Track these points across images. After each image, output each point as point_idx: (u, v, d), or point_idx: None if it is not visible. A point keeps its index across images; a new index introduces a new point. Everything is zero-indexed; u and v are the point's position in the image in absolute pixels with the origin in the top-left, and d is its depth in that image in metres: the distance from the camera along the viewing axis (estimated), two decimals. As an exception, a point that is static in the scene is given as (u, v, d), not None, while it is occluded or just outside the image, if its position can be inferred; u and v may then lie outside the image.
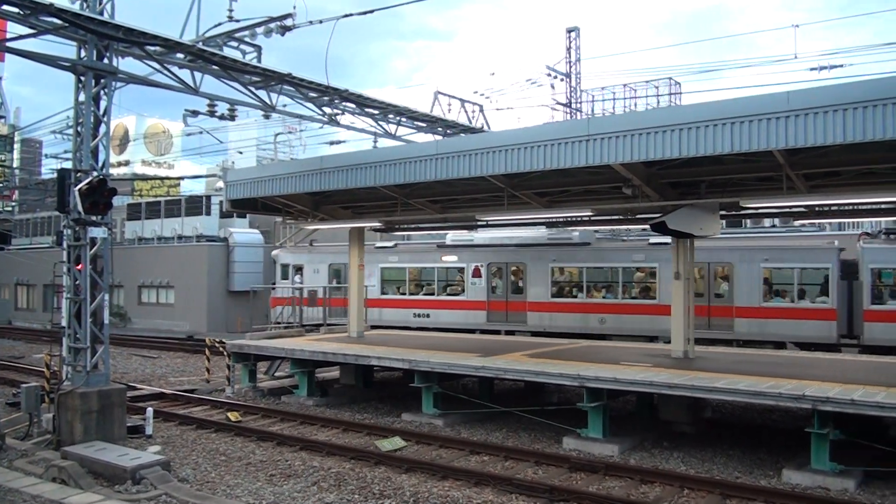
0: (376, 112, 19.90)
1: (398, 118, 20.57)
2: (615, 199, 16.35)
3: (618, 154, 13.14)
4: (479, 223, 21.61)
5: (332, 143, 36.94)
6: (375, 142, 21.67)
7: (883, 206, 16.05)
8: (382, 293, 28.94)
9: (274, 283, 32.64)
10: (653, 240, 24.63)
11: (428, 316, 27.82)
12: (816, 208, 16.54)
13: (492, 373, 15.56)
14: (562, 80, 40.97)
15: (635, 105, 38.87)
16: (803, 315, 22.15)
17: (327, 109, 19.01)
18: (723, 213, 16.58)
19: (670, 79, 38.69)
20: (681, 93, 39.26)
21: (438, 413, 16.24)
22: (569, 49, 41.87)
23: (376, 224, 21.66)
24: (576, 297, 25.50)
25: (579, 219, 19.97)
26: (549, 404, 16.10)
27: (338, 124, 19.88)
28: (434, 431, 15.37)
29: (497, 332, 25.70)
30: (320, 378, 20.58)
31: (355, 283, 22.12)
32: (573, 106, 40.26)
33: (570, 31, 42.14)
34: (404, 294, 28.79)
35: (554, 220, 21.42)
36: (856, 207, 16.70)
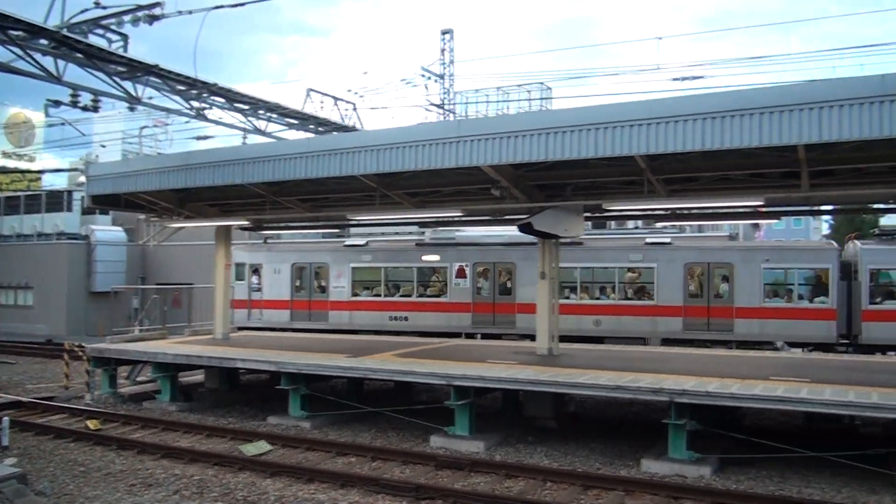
0: (246, 107, 19.51)
1: (269, 114, 20.21)
2: (485, 200, 16.57)
3: (487, 156, 13.36)
4: (350, 223, 21.32)
5: (199, 138, 35.73)
6: (245, 138, 21.23)
7: (739, 210, 16.93)
8: (353, 295, 26.86)
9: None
10: (649, 239, 24.78)
11: (406, 319, 26.11)
12: (677, 211, 17.31)
13: (360, 373, 15.46)
14: (436, 81, 41.34)
15: (508, 108, 39.62)
16: (803, 315, 22.20)
17: (195, 103, 18.50)
18: (587, 214, 17.07)
19: (542, 83, 39.67)
20: (552, 97, 40.28)
21: (306, 415, 15.99)
22: (443, 51, 42.40)
23: (244, 223, 21.15)
24: (569, 298, 24.39)
25: (449, 219, 20.14)
26: (418, 403, 16.16)
27: (206, 119, 19.36)
28: (301, 434, 15.12)
29: (486, 336, 24.85)
30: (184, 382, 19.90)
31: (221, 284, 21.55)
32: (446, 107, 40.66)
33: (444, 33, 42.71)
34: (379, 296, 26.73)
35: (424, 220, 21.46)
36: (714, 211, 17.49)
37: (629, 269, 24.32)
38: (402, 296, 26.53)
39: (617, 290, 24.24)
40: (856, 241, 23.56)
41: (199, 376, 20.79)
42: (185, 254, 35.57)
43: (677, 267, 23.30)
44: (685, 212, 17.48)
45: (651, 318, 23.31)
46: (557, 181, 15.70)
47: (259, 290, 27.94)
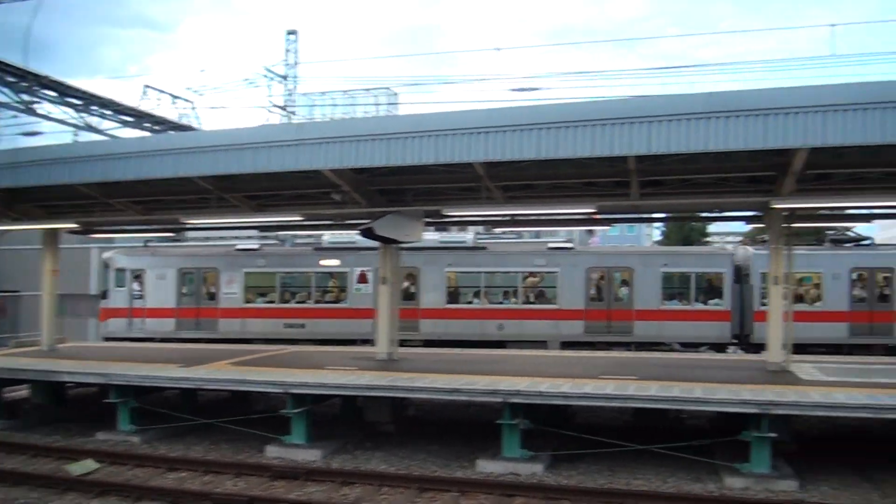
0: (79, 103, 18.40)
1: (103, 111, 19.12)
2: (326, 204, 16.38)
3: (328, 160, 13.24)
4: (185, 227, 20.44)
5: (28, 134, 33.39)
6: (76, 135, 20.04)
7: (574, 217, 17.54)
8: (246, 301, 25.73)
9: (105, 292, 27.58)
10: (552, 244, 25.36)
11: (303, 326, 25.09)
12: (516, 217, 17.77)
13: (193, 383, 14.89)
14: (279, 81, 40.66)
15: (355, 112, 39.47)
16: (700, 317, 23.27)
17: (25, 96, 17.22)
18: (427, 220, 17.20)
19: (388, 88, 39.80)
20: (398, 103, 40.52)
21: (135, 430, 15.15)
22: (288, 51, 41.78)
23: (72, 225, 19.88)
24: (472, 302, 24.72)
25: (289, 224, 19.75)
26: (255, 413, 15.71)
27: (35, 114, 18.07)
28: (130, 450, 14.31)
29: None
30: (8, 398, 18.42)
31: (48, 291, 20.19)
32: (289, 109, 40.06)
33: (290, 34, 42.16)
34: (273, 302, 25.77)
35: (264, 224, 20.90)
36: (550, 217, 18.03)
37: (532, 274, 24.60)
38: (298, 302, 25.68)
39: (520, 294, 24.44)
40: (748, 247, 25.19)
41: (24, 391, 19.32)
42: (16, 259, 33.08)
43: (579, 271, 23.98)
44: (523, 218, 17.96)
45: (553, 321, 23.76)
46: (399, 186, 15.73)
47: (141, 297, 26.30)
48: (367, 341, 22.93)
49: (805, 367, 15.35)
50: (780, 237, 14.89)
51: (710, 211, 18.19)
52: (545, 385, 12.66)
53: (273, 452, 13.57)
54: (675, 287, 23.97)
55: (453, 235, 26.28)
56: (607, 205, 15.20)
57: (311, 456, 13.28)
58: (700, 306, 23.53)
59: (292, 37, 41.84)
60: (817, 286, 23.57)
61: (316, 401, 14.01)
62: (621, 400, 12.23)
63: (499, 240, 27.48)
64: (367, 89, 40.16)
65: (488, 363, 16.07)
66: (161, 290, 26.29)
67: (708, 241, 53.52)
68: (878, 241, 27.21)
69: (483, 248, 25.27)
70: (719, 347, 23.30)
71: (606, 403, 12.49)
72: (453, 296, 24.99)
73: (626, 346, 22.76)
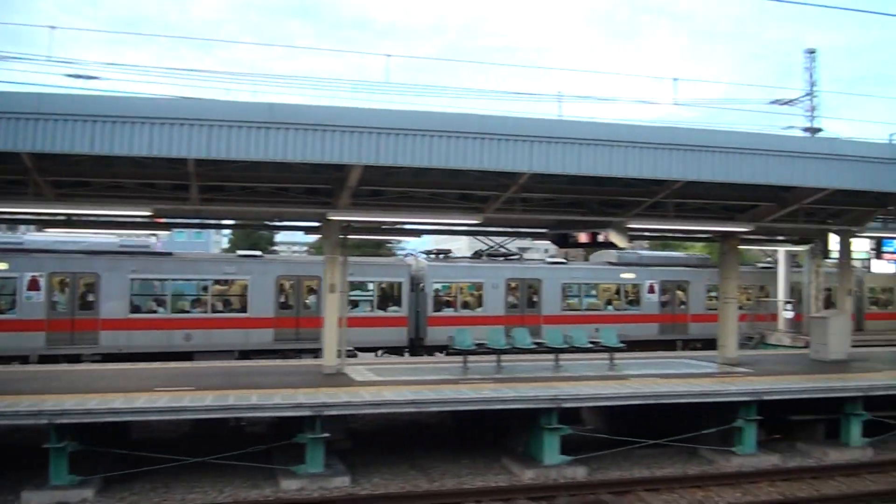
0: None
1: None
2: None
3: None
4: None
5: None
6: None
7: (133, 220, 16.58)
8: None
9: None
10: (242, 252, 26.42)
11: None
12: (72, 218, 16.22)
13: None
14: None
15: None
16: (380, 323, 24.90)
17: None
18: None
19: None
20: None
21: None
22: None
23: None
24: (156, 312, 23.20)
25: None
26: None
27: None
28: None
29: (56, 359, 20.86)
30: None
31: None
32: None
33: None
34: None
35: None
36: (108, 218, 16.81)
37: (221, 282, 24.24)
38: None
39: (209, 303, 23.75)
40: (420, 259, 27.36)
41: None
42: None
43: (270, 280, 24.04)
44: (79, 219, 16.53)
45: (244, 330, 23.47)
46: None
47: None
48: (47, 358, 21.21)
49: (360, 368, 16.41)
50: (337, 247, 15.72)
51: (272, 220, 18.54)
52: (94, 401, 11.75)
53: None
54: (357, 296, 25.08)
55: (136, 240, 24.57)
56: (166, 208, 14.68)
57: None
58: (380, 313, 25.36)
59: None
60: (479, 294, 26.67)
61: None
62: (174, 412, 11.80)
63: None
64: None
65: (31, 380, 14.43)
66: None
67: (288, 250, 54.92)
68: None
69: (169, 255, 24.63)
70: (398, 351, 25.30)
71: (160, 417, 11.96)
72: (137, 305, 23.34)
73: (315, 352, 22.52)
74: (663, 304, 29.14)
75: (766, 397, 14.08)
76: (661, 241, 35.33)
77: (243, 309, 24.11)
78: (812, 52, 32.37)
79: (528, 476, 12.65)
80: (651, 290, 28.78)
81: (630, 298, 28.72)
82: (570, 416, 13.78)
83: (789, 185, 15.02)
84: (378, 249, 42.25)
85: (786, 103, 32.74)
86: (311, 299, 24.73)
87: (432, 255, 28.21)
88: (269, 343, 23.78)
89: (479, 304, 26.64)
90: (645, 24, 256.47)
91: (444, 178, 14.46)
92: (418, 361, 19.76)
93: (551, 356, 17.46)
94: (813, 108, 32.06)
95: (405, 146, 11.79)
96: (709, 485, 12.50)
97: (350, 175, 13.07)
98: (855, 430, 14.94)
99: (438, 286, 26.45)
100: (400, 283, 25.88)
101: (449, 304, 26.51)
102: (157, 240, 28.14)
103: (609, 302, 28.76)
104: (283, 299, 24.52)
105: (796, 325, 29.62)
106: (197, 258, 25.55)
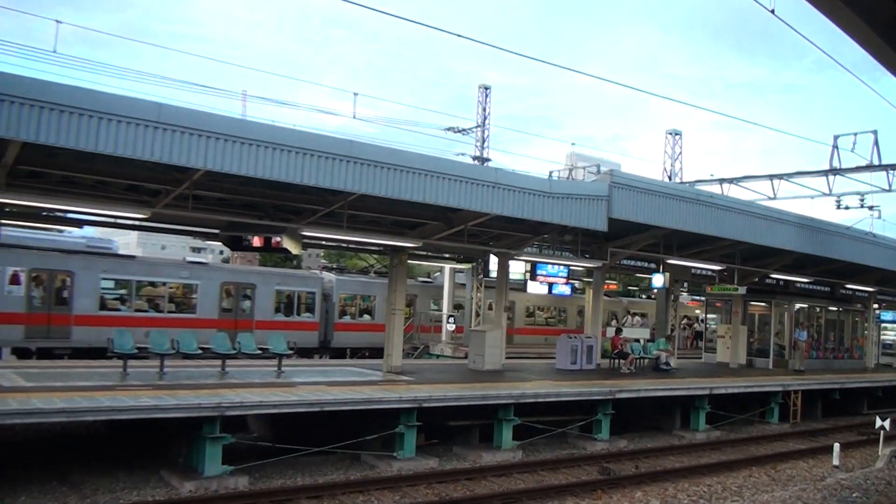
0: None
1: None
2: None
3: None
4: None
5: None
6: None
7: None
8: None
9: None
10: (190, 258, 30.26)
11: None
12: None
13: None
14: None
15: None
16: (299, 327, 28.50)
17: None
18: None
19: None
20: None
21: None
22: None
23: None
24: (120, 310, 25.11)
25: None
26: None
27: None
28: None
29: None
30: None
31: None
32: None
33: None
34: None
35: None
36: None
37: (169, 284, 26.55)
38: None
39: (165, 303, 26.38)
40: (330, 274, 32.48)
41: None
42: None
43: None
44: None
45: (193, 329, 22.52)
46: None
47: None
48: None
49: (7, 373, 14.70)
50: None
51: None
52: None
53: None
54: (283, 301, 29.50)
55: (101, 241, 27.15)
56: None
57: None
58: (299, 318, 29.59)
59: None
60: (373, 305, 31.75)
61: None
62: None
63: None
64: None
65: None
66: None
67: None
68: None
69: (133, 257, 28.26)
70: (309, 353, 28.38)
71: None
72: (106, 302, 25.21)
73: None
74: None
75: (425, 404, 14.77)
76: (337, 250, 36.55)
77: (192, 309, 27.02)
78: (487, 87, 35.00)
79: (187, 488, 12.01)
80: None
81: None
82: (235, 424, 13.42)
83: (457, 207, 15.97)
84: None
85: (459, 131, 35.10)
86: (246, 304, 28.44)
87: (336, 270, 34.85)
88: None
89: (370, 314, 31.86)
90: (334, 36, 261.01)
91: (112, 166, 13.39)
92: (71, 365, 18.05)
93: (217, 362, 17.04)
94: (483, 139, 34.70)
95: (70, 126, 10.70)
96: (370, 489, 12.78)
97: (7, 151, 11.60)
98: (507, 434, 16.19)
99: (344, 297, 31.47)
100: (314, 293, 30.21)
101: (350, 314, 31.59)
102: None
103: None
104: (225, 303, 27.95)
105: (458, 337, 31.89)
106: (156, 261, 29.90)
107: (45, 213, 17.15)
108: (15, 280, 22.96)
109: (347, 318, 31.30)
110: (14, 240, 23.39)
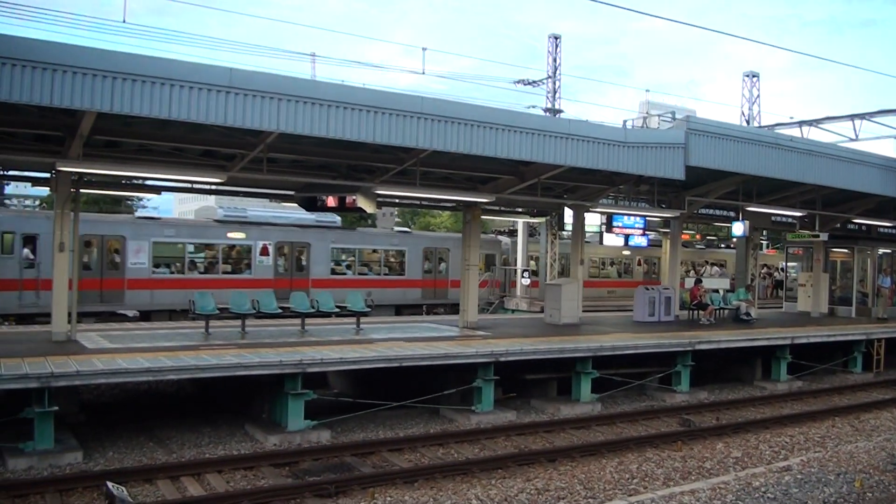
0: None
1: None
2: None
3: None
4: None
5: None
6: None
7: None
8: (154, 272, 24.91)
9: None
10: (397, 228, 33.92)
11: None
12: None
13: None
14: None
15: None
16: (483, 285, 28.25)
17: None
18: None
19: None
20: None
21: None
22: None
23: None
24: (345, 274, 29.07)
25: None
26: None
27: None
28: None
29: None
30: None
31: None
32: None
33: None
34: (182, 273, 25.63)
35: None
36: None
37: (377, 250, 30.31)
38: (203, 273, 25.99)
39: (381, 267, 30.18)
40: (504, 237, 34.26)
41: None
42: None
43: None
44: None
45: (404, 290, 30.03)
46: None
47: (32, 266, 22.85)
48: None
49: (92, 335, 15.23)
50: (68, 201, 14.29)
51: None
52: None
53: None
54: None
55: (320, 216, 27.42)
56: None
57: None
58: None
59: None
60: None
61: None
62: None
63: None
64: None
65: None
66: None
67: (19, 204, 49.45)
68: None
69: (353, 229, 31.59)
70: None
71: None
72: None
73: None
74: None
75: (502, 358, 14.83)
76: (411, 209, 37.06)
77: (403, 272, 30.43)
78: (557, 37, 34.41)
79: (271, 442, 12.40)
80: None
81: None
82: (315, 380, 13.73)
83: (529, 161, 15.80)
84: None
85: (530, 83, 34.62)
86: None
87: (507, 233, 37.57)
88: None
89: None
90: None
91: (186, 133, 13.67)
92: (156, 327, 18.68)
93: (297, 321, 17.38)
94: (555, 91, 34.18)
95: (143, 94, 10.92)
96: (449, 442, 12.96)
97: (82, 122, 11.93)
98: (585, 387, 16.15)
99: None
100: (493, 255, 33.07)
101: None
102: None
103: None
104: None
105: (533, 291, 31.76)
106: (371, 232, 32.20)
107: (124, 182, 17.65)
108: (265, 251, 26.97)
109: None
110: (261, 219, 27.70)
